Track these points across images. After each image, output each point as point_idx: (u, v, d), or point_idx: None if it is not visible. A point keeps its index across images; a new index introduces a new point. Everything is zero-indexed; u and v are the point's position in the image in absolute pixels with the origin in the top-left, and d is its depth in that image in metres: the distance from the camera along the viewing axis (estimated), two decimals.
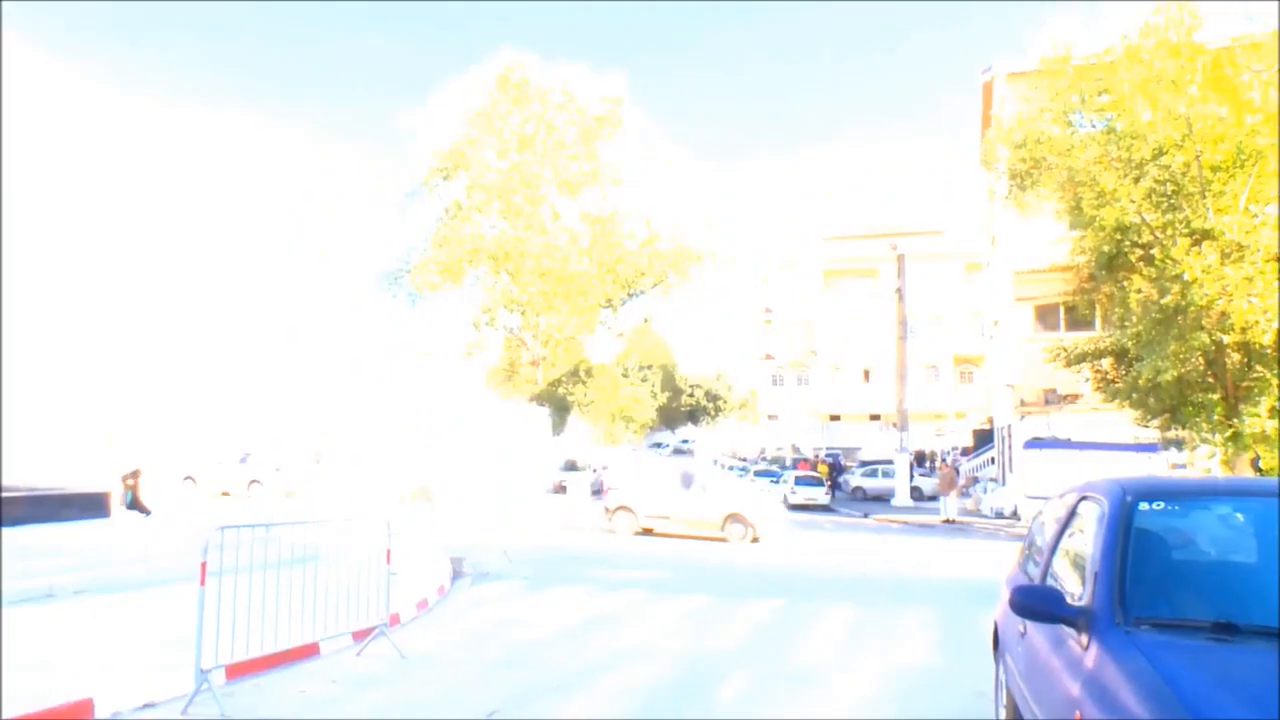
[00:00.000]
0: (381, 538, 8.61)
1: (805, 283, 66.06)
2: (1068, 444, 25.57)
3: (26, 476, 14.78)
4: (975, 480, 38.05)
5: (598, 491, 35.03)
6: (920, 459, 49.26)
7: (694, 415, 66.94)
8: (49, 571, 10.67)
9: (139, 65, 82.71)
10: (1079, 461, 22.10)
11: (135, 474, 20.69)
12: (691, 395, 66.45)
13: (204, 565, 6.42)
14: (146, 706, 6.23)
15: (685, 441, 64.71)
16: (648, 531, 21.27)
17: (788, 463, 51.79)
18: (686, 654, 8.64)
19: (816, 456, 53.38)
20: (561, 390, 49.75)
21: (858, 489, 42.37)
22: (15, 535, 11.76)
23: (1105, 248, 20.08)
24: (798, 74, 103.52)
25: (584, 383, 49.88)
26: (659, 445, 62.38)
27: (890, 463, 40.88)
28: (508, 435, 39.54)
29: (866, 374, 62.95)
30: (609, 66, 59.62)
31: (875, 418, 60.48)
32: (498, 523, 23.76)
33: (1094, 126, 20.03)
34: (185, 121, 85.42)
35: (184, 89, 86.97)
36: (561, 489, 37.41)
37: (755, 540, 20.44)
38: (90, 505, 14.11)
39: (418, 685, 7.18)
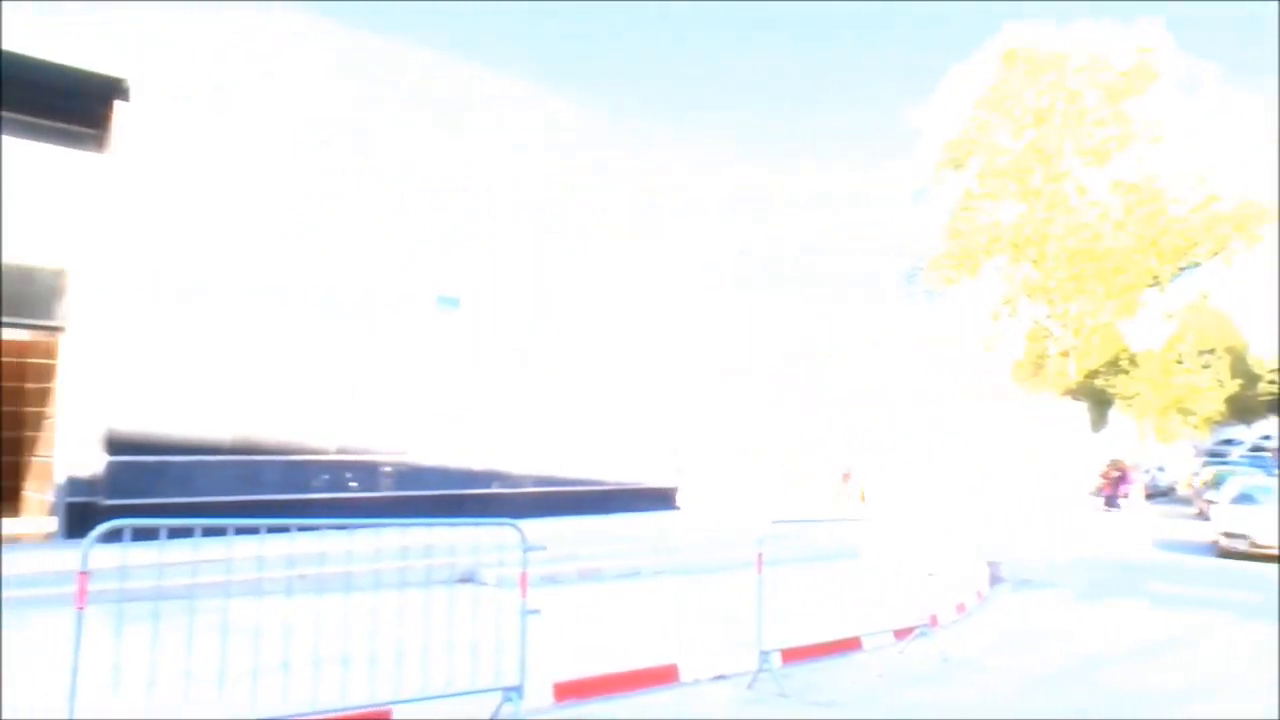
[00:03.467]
0: (919, 539, 8.75)
1: None
2: None
3: (612, 474, 17.84)
4: None
5: (1152, 495, 31.14)
6: None
7: (1277, 406, 55.50)
8: (635, 554, 12.74)
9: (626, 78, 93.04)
10: None
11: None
12: (1272, 382, 55.12)
13: (760, 556, 7.20)
14: (719, 678, 7.15)
15: (1266, 438, 53.97)
16: None
17: None
18: None
19: None
20: (1099, 382, 45.18)
21: None
22: (608, 522, 14.34)
23: None
24: None
25: (1126, 373, 44.81)
26: (1229, 442, 52.99)
27: None
28: (1039, 434, 37.02)
29: None
30: (1137, 13, 52.02)
31: None
32: (1036, 527, 22.39)
33: None
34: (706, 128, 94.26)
35: (692, 98, 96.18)
36: None
37: None
38: (662, 498, 16.66)
39: (961, 688, 7.15)
